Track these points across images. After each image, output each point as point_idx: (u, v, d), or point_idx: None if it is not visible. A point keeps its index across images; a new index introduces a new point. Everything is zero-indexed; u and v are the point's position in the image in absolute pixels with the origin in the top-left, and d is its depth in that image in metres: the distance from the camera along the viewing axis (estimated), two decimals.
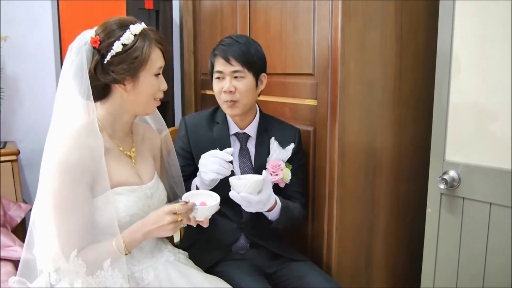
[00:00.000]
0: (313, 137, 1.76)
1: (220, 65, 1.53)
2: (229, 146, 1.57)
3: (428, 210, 1.61)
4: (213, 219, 1.30)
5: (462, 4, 1.47)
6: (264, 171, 1.41)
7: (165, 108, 3.03)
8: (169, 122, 2.86)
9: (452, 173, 1.51)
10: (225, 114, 1.63)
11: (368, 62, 1.67)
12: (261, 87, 1.60)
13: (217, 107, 1.66)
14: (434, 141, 1.58)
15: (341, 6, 1.56)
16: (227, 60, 1.51)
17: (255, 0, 2.05)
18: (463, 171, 1.50)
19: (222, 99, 1.55)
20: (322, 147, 1.72)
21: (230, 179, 1.37)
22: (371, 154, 1.75)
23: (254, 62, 1.52)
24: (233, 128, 1.63)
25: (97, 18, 1.29)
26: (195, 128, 1.62)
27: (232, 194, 1.36)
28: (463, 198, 1.50)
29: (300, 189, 1.69)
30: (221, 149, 1.52)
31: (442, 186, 1.50)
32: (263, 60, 1.59)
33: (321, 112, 1.71)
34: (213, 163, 1.38)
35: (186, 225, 1.26)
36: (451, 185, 1.50)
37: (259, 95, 1.65)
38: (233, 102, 1.52)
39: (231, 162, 1.41)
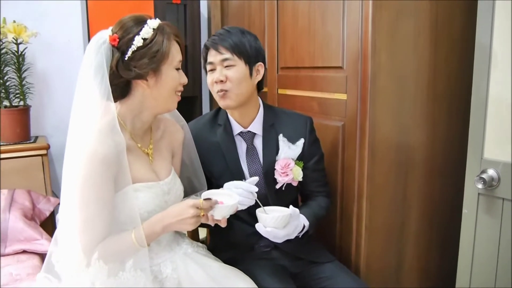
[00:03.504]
0: (342, 133, 1.71)
1: (211, 56, 1.48)
2: (234, 148, 1.54)
3: (465, 210, 1.53)
4: (230, 224, 1.28)
5: None
6: (291, 206, 1.35)
7: (193, 102, 3.04)
8: (197, 116, 2.88)
9: (491, 172, 1.43)
10: (226, 115, 1.57)
11: (400, 55, 1.60)
12: (258, 77, 1.52)
13: (219, 109, 1.60)
14: (472, 138, 1.49)
15: None
16: (216, 50, 1.46)
17: None
18: (503, 170, 1.40)
19: (214, 91, 1.49)
20: (352, 143, 1.66)
21: (257, 211, 1.33)
22: (403, 151, 1.68)
23: (245, 50, 1.46)
24: (237, 128, 1.56)
25: (125, 13, 1.29)
26: (198, 134, 1.56)
27: (258, 227, 1.32)
28: (503, 199, 1.41)
29: (323, 180, 1.65)
30: (226, 152, 1.52)
31: (480, 186, 1.42)
32: (258, 50, 1.51)
33: (350, 106, 1.65)
34: (237, 195, 1.33)
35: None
36: (490, 184, 1.42)
37: (260, 89, 1.58)
38: (224, 92, 1.46)
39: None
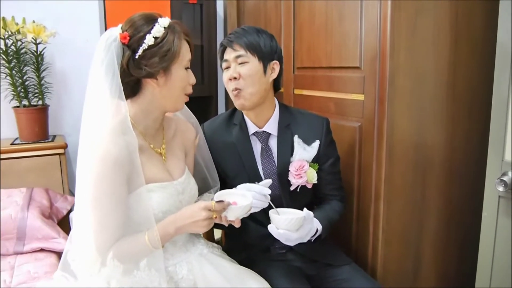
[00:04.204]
0: (360, 134, 1.69)
1: (226, 54, 1.49)
2: (250, 148, 1.53)
3: (484, 213, 1.50)
4: (245, 225, 1.25)
5: None
6: (305, 209, 1.32)
7: (209, 102, 3.04)
8: (213, 116, 2.88)
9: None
10: (242, 114, 1.56)
11: (419, 53, 1.57)
12: (273, 75, 1.51)
13: (235, 108, 1.59)
14: (492, 139, 1.46)
15: None
16: (231, 47, 1.46)
17: None
18: None
19: (229, 89, 1.49)
20: (369, 144, 1.64)
21: (270, 213, 1.31)
22: (422, 152, 1.65)
23: (259, 47, 1.46)
24: (252, 128, 1.55)
25: (142, 11, 1.28)
26: (213, 134, 1.56)
27: (271, 228, 1.30)
28: None
29: (338, 184, 1.62)
30: (242, 152, 1.51)
31: (500, 189, 1.39)
32: (273, 48, 1.49)
33: (368, 107, 1.62)
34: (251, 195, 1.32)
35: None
36: (511, 187, 1.38)
37: (277, 90, 1.57)
38: (238, 91, 1.46)
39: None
